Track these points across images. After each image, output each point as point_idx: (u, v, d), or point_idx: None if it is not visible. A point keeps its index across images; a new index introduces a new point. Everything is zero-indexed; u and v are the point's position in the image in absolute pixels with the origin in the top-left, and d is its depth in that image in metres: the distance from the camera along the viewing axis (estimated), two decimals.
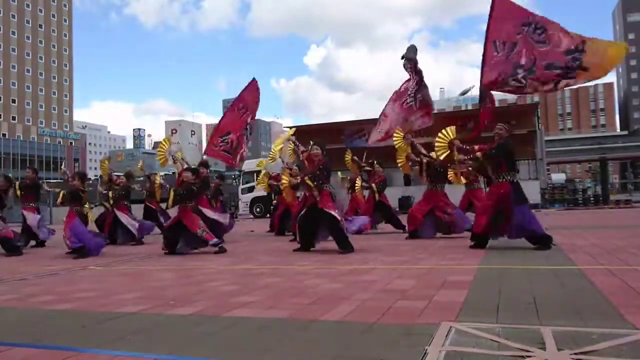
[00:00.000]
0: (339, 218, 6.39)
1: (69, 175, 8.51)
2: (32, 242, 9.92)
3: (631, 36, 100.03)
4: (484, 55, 7.25)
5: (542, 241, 5.73)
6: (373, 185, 10.12)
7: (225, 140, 10.89)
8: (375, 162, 10.54)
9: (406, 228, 8.80)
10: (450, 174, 8.97)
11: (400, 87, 9.99)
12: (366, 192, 10.55)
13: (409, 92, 9.82)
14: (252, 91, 11.38)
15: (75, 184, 7.82)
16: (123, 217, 9.78)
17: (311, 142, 7.05)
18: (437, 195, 8.29)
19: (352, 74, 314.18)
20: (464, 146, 6.75)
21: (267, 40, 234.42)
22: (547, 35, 7.08)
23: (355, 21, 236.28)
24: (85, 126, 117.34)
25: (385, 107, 10.12)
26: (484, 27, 7.68)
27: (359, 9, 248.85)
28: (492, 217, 5.99)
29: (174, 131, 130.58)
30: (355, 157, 10.92)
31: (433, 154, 8.11)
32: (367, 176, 10.78)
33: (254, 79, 11.46)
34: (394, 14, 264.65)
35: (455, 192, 9.88)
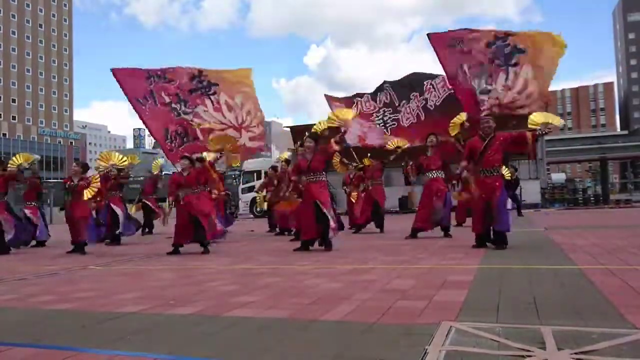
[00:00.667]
0: (331, 221, 6.49)
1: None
2: (32, 242, 9.91)
3: (631, 36, 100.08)
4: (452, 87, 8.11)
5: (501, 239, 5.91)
6: (368, 182, 10.19)
7: (170, 138, 9.01)
8: (369, 156, 10.51)
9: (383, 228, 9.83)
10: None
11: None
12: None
13: (377, 108, 10.19)
14: (126, 80, 9.09)
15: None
16: (118, 211, 9.77)
17: (306, 133, 7.26)
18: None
19: (352, 74, 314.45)
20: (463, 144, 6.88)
21: (267, 40, 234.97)
22: (472, 41, 7.60)
23: (355, 21, 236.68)
24: (86, 126, 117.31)
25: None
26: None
27: (359, 9, 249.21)
28: (484, 214, 6.00)
29: None
30: (344, 159, 10.55)
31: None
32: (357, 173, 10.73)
33: (111, 70, 9.12)
34: (394, 14, 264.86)
35: None
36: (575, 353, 1.96)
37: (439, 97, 9.84)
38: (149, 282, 4.46)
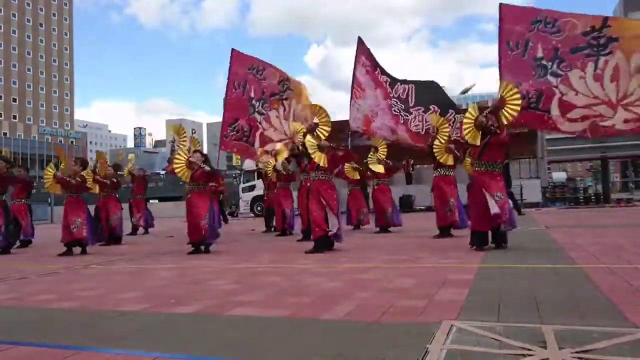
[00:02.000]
0: (331, 228, 6.39)
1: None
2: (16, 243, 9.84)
3: None
4: (499, 55, 7.50)
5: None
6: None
7: (235, 128, 9.99)
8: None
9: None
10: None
11: (381, 77, 9.70)
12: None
13: (393, 96, 9.72)
14: (237, 62, 10.07)
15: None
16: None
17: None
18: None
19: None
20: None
21: (267, 39, 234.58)
22: (560, 25, 7.25)
23: (355, 21, 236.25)
24: (86, 125, 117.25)
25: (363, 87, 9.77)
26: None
27: (358, 9, 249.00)
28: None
29: None
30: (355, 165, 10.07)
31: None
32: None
33: (232, 50, 10.13)
34: (394, 14, 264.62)
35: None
36: (576, 352, 1.95)
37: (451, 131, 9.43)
38: (150, 281, 4.46)
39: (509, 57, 7.50)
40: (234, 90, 10.05)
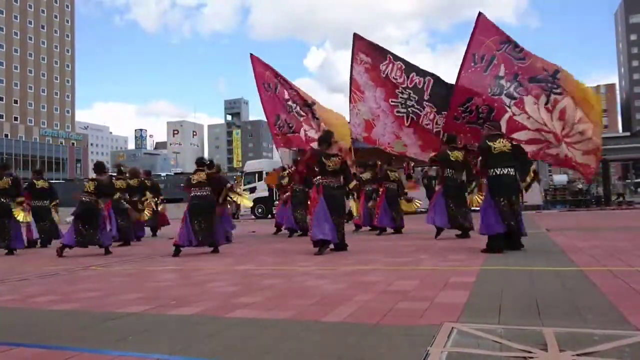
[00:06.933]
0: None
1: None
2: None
3: (633, 37, 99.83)
4: (462, 63, 7.92)
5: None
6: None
7: (279, 125, 10.45)
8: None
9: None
10: None
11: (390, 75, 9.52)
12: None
13: (405, 86, 9.53)
14: (259, 67, 10.63)
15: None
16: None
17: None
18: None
19: None
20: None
21: (268, 43, 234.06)
22: (525, 53, 7.76)
23: (354, 24, 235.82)
24: (87, 127, 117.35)
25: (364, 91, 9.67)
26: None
27: (357, 13, 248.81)
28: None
29: (175, 132, 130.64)
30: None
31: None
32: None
33: (251, 55, 10.78)
34: (392, 18, 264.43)
35: None
36: (577, 354, 1.95)
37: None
38: (151, 283, 4.47)
39: (470, 68, 7.94)
40: (266, 91, 10.56)
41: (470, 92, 7.91)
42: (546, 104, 7.54)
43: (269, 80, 10.52)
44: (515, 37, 7.94)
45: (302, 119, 10.33)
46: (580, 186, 25.18)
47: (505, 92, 7.75)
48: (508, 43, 7.85)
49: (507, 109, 7.72)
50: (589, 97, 7.58)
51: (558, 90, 7.51)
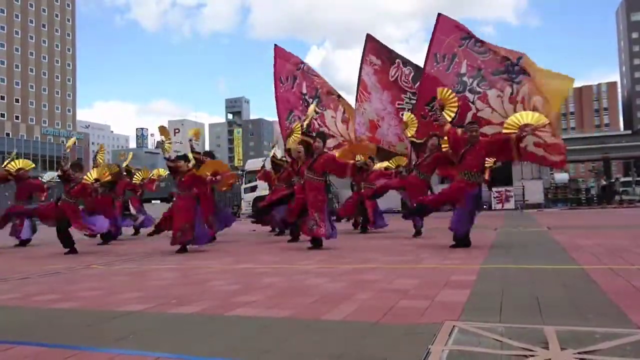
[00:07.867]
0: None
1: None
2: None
3: (635, 35, 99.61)
4: (425, 64, 8.07)
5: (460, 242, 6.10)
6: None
7: (290, 120, 10.49)
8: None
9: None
10: None
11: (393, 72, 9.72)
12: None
13: (407, 98, 9.68)
14: (280, 58, 10.67)
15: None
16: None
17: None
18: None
19: (352, 75, 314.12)
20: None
21: (268, 42, 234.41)
22: (486, 46, 7.86)
23: (354, 23, 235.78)
24: (89, 126, 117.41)
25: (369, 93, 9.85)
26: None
27: (357, 12, 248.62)
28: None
29: (176, 131, 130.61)
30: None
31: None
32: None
33: (275, 46, 10.86)
34: (392, 17, 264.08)
35: None
36: (579, 353, 1.95)
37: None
38: (151, 282, 4.46)
39: (433, 69, 8.11)
40: (281, 85, 10.59)
41: (434, 91, 7.92)
42: (511, 94, 7.67)
43: (288, 74, 10.57)
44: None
45: (316, 116, 10.25)
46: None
47: (468, 88, 7.89)
48: (468, 38, 8.01)
49: (471, 105, 7.86)
50: (551, 78, 7.61)
51: (518, 79, 7.71)
